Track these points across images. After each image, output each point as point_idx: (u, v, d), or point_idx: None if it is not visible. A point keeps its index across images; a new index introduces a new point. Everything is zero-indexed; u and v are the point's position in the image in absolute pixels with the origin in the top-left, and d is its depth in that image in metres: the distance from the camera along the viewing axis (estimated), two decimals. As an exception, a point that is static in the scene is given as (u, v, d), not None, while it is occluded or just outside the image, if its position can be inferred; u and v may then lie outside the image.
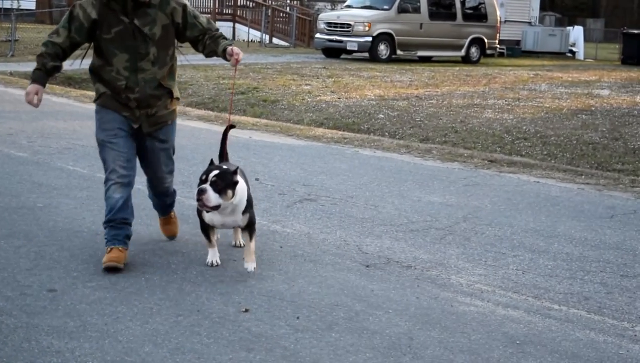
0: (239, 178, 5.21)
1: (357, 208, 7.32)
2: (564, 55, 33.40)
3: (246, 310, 4.77)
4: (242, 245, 5.68)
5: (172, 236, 6.03)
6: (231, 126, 5.98)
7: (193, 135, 10.92)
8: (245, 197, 5.28)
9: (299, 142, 10.94)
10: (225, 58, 5.41)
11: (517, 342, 4.52)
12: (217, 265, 5.49)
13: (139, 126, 5.43)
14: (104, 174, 5.43)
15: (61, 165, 8.54)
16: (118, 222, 5.36)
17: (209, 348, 4.27)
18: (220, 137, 5.90)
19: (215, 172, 5.12)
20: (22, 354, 4.11)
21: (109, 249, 5.37)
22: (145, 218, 6.37)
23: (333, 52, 26.28)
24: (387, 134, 12.21)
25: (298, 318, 4.72)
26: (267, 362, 4.14)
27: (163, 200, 5.92)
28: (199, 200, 5.07)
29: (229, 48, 5.37)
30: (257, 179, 8.22)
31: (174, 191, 5.99)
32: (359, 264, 5.76)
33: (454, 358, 4.28)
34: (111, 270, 5.26)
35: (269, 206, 7.24)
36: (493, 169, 9.51)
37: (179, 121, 11.55)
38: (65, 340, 4.30)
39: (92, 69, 5.46)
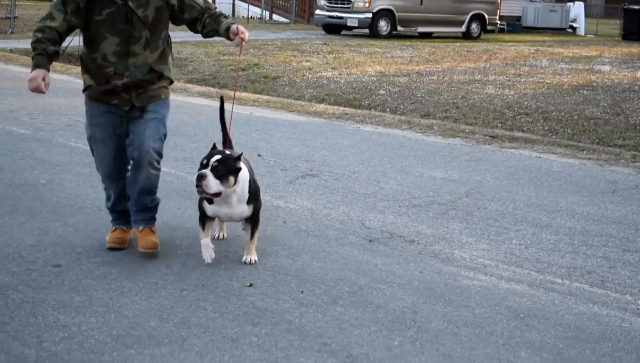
0: (242, 165, 4.93)
1: (359, 183, 7.33)
2: (565, 31, 33.28)
3: (251, 285, 4.79)
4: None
5: (153, 248, 5.19)
6: (222, 99, 5.54)
7: (194, 112, 10.92)
8: (247, 187, 4.98)
9: (300, 118, 10.94)
10: (228, 37, 5.09)
11: (521, 315, 4.54)
12: (211, 261, 5.03)
13: (129, 108, 5.11)
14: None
15: (63, 142, 8.54)
16: (118, 212, 5.37)
17: (214, 323, 4.29)
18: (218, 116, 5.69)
19: (217, 157, 4.81)
20: (29, 329, 4.14)
21: (113, 229, 5.38)
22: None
23: (333, 28, 26.19)
24: (388, 110, 12.20)
25: (302, 292, 4.75)
26: (273, 335, 4.17)
27: (144, 201, 5.24)
28: (198, 186, 4.75)
29: (234, 26, 5.03)
30: (259, 155, 8.23)
31: (158, 200, 5.36)
32: (363, 239, 5.78)
33: (458, 331, 4.31)
34: (115, 249, 5.29)
35: (271, 182, 7.24)
36: (494, 144, 9.51)
37: (180, 98, 11.68)
38: (72, 314, 4.32)
39: (81, 58, 5.17)
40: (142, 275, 4.87)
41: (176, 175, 7.25)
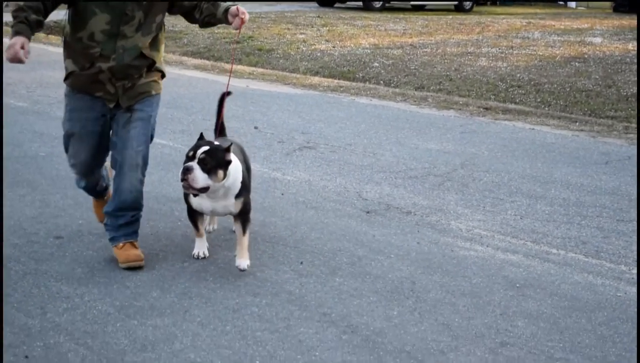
0: (232, 156, 4.43)
1: (356, 155, 7.32)
2: (556, 3, 33.16)
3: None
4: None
5: (137, 260, 4.60)
6: (228, 93, 5.02)
7: (190, 85, 10.86)
8: (240, 179, 4.48)
9: (295, 91, 10.90)
10: (227, 21, 4.54)
11: (517, 285, 4.56)
12: (205, 258, 4.74)
13: (115, 104, 4.55)
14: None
15: (61, 115, 8.37)
16: (93, 192, 5.02)
17: (215, 293, 4.30)
18: (214, 94, 5.58)
19: (205, 148, 4.30)
20: (32, 299, 4.14)
21: (95, 201, 5.15)
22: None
23: (327, 1, 26.06)
24: (382, 82, 12.16)
25: (302, 263, 4.75)
26: (273, 306, 4.17)
27: (126, 216, 4.67)
28: (184, 180, 4.26)
29: (233, 7, 4.51)
30: (256, 127, 8.21)
31: (140, 215, 4.76)
32: (360, 210, 5.78)
33: (456, 301, 4.32)
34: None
35: (268, 154, 7.24)
36: (488, 116, 9.50)
37: (176, 71, 11.64)
38: (74, 285, 4.33)
39: (65, 39, 4.56)
40: (143, 247, 4.84)
41: (174, 148, 7.23)
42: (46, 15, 4.35)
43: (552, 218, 5.75)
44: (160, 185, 6.11)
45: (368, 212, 5.74)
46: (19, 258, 4.65)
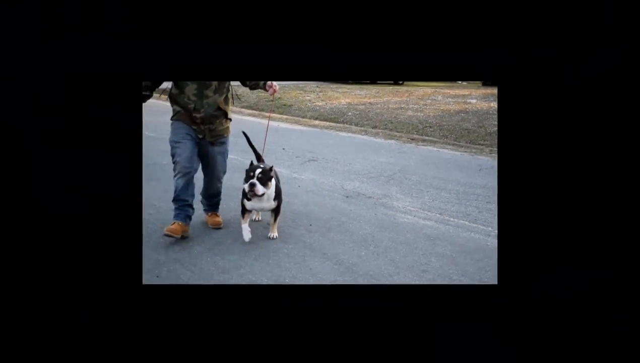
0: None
1: (340, 165, 7.30)
2: (450, 81, 33.06)
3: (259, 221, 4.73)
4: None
5: (218, 225, 4.61)
6: (245, 134, 4.88)
7: (245, 125, 10.76)
8: (273, 188, 4.29)
9: (305, 128, 10.86)
10: (265, 89, 4.38)
11: (431, 238, 4.55)
12: (248, 240, 4.49)
13: (203, 136, 4.41)
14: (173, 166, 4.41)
15: (173, 141, 8.42)
16: (181, 203, 4.35)
17: (262, 242, 4.29)
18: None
19: (259, 170, 4.17)
20: (159, 245, 4.14)
21: (173, 222, 4.51)
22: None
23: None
24: (353, 124, 12.12)
25: (310, 225, 4.74)
26: (295, 249, 4.17)
27: (212, 200, 4.70)
28: (251, 191, 4.14)
29: (269, 82, 4.36)
30: (283, 149, 8.17)
31: (220, 193, 4.73)
32: (343, 196, 5.77)
33: (397, 247, 4.32)
34: (169, 236, 4.45)
35: (290, 163, 7.21)
36: (413, 143, 9.47)
37: (238, 116, 11.53)
38: (179, 241, 4.31)
39: (170, 96, 4.40)
40: (221, 215, 4.82)
41: (237, 159, 7.19)
42: (153, 89, 4.15)
43: (450, 201, 5.74)
44: (230, 181, 6.03)
45: (347, 197, 5.73)
46: (151, 221, 4.63)
